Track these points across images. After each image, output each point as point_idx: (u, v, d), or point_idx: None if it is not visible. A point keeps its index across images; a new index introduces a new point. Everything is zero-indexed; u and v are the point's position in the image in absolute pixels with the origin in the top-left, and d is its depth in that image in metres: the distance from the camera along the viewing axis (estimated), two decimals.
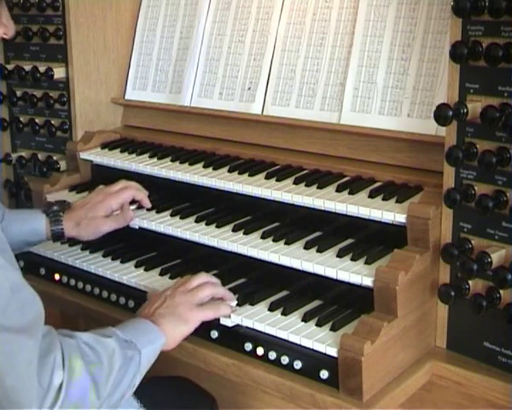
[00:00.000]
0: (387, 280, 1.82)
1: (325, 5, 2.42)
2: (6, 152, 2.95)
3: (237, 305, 2.01)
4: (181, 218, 2.31)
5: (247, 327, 1.95)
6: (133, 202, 2.39)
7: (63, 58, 2.76)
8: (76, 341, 1.62)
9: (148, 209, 2.39)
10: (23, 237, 2.23)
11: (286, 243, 2.07)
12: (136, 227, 2.33)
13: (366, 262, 1.93)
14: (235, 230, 2.19)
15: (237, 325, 1.97)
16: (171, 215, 2.34)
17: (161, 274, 2.23)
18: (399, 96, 2.21)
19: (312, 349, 1.83)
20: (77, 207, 2.31)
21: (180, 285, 1.98)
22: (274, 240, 2.09)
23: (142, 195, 2.38)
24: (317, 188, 2.15)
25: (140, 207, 2.40)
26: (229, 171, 2.36)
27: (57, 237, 2.27)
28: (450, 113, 1.77)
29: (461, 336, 1.92)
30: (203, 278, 2.02)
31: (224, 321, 1.97)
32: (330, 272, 1.93)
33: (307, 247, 2.04)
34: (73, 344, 1.61)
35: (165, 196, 2.48)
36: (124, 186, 2.37)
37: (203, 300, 1.96)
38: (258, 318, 1.95)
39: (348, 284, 1.91)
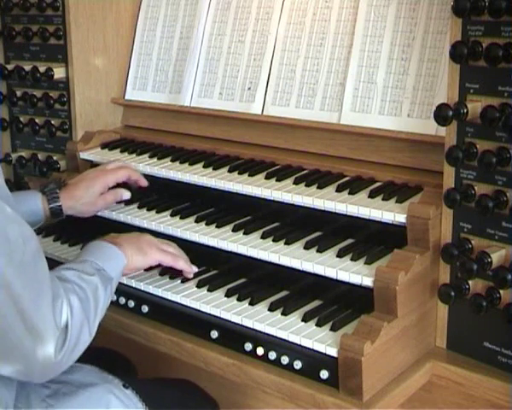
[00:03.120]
0: (387, 280, 1.82)
1: (325, 5, 2.42)
2: (6, 152, 2.95)
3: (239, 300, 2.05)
4: (181, 218, 2.31)
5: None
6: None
7: (63, 58, 2.76)
8: (71, 284, 1.73)
9: (148, 209, 2.39)
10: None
11: (286, 243, 2.07)
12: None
13: (366, 262, 1.93)
14: (235, 230, 2.19)
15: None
16: (171, 215, 2.34)
17: (161, 274, 2.22)
18: (399, 96, 2.21)
19: (312, 349, 1.84)
20: (73, 184, 2.35)
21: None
22: (274, 240, 2.10)
23: (137, 174, 2.42)
24: (317, 188, 2.15)
25: (141, 206, 2.42)
26: (229, 171, 2.36)
27: (56, 214, 2.29)
28: (450, 113, 1.77)
29: (461, 336, 1.92)
30: (173, 245, 2.17)
31: None
32: (330, 272, 1.93)
33: (307, 247, 2.04)
34: (70, 288, 1.72)
35: (165, 196, 2.48)
36: (119, 165, 2.42)
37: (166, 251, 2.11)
38: (258, 318, 1.96)
39: (348, 284, 1.91)
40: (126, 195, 2.39)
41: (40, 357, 1.59)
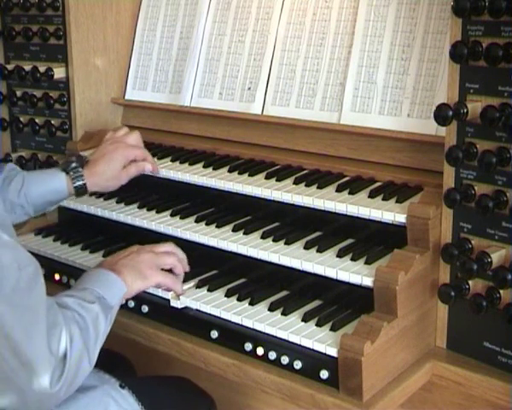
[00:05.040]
0: (387, 280, 1.82)
1: (325, 5, 2.42)
2: (6, 152, 2.95)
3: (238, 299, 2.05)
4: (181, 218, 2.31)
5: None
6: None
7: (63, 58, 2.76)
8: (71, 312, 1.69)
9: (148, 209, 2.39)
10: (45, 197, 2.26)
11: (286, 243, 2.07)
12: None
13: (366, 262, 1.93)
14: (235, 230, 2.19)
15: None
16: (171, 215, 2.34)
17: None
18: (399, 96, 2.21)
19: (312, 349, 1.84)
20: (94, 161, 2.32)
21: (147, 246, 2.08)
22: (274, 240, 2.10)
23: (151, 159, 2.41)
24: (317, 188, 2.15)
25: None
26: (229, 171, 2.36)
27: (81, 192, 2.29)
28: (450, 113, 1.77)
29: (461, 336, 1.92)
30: (171, 247, 2.12)
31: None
32: (330, 272, 1.93)
33: (307, 247, 2.04)
34: (70, 316, 1.68)
35: (165, 196, 2.48)
36: (135, 137, 2.41)
37: (165, 266, 2.06)
38: (258, 318, 1.96)
39: (348, 284, 1.91)
40: (148, 168, 2.37)
41: (36, 389, 1.54)
